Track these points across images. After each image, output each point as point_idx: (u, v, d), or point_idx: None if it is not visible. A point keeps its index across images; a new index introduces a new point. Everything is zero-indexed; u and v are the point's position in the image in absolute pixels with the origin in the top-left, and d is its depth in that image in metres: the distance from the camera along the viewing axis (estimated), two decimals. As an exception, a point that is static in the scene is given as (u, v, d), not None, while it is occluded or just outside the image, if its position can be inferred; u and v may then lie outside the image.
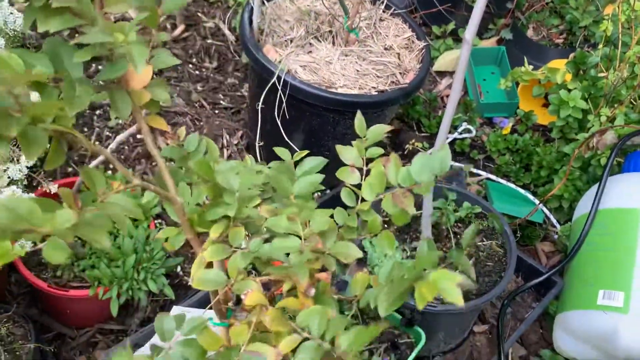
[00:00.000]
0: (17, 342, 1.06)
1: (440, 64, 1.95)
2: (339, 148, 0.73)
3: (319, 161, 0.72)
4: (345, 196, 0.72)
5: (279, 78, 1.34)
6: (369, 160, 0.72)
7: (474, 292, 1.20)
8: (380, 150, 0.72)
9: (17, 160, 0.89)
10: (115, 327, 1.31)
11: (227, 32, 2.00)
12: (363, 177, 0.70)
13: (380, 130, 0.72)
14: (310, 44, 1.45)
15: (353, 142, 0.73)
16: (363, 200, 0.70)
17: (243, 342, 0.54)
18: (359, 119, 0.73)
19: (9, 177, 0.87)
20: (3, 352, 1.00)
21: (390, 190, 0.66)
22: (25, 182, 1.09)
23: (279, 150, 0.74)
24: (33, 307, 1.29)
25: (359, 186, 0.71)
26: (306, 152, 0.72)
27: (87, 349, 1.29)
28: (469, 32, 0.96)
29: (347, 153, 0.72)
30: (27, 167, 0.89)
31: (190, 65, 1.88)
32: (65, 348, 1.27)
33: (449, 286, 0.45)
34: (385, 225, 1.24)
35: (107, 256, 1.13)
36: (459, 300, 0.44)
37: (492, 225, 1.27)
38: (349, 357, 0.50)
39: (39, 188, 1.19)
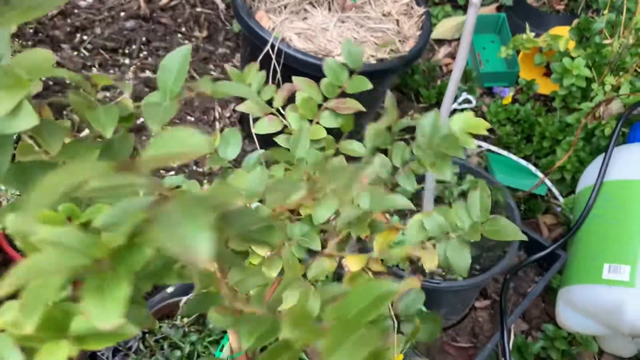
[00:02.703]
0: None
1: (438, 31, 1.88)
2: (239, 107, 0.70)
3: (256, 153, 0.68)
4: (282, 142, 0.67)
5: (272, 46, 1.27)
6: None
7: (478, 267, 1.17)
8: (273, 87, 0.69)
9: None
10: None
11: (217, -1, 1.92)
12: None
13: (255, 66, 0.69)
14: (305, 10, 1.38)
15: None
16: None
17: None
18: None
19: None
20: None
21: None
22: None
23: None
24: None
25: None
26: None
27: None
28: (477, -7, 0.90)
29: (244, 105, 0.69)
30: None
31: (179, 35, 1.81)
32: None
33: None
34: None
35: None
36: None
37: (495, 198, 1.23)
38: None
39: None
